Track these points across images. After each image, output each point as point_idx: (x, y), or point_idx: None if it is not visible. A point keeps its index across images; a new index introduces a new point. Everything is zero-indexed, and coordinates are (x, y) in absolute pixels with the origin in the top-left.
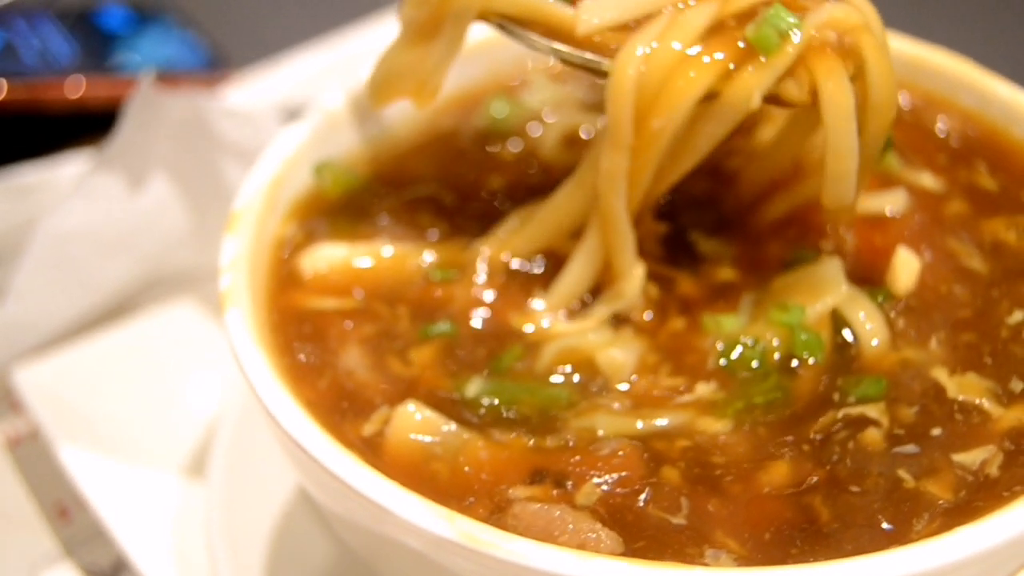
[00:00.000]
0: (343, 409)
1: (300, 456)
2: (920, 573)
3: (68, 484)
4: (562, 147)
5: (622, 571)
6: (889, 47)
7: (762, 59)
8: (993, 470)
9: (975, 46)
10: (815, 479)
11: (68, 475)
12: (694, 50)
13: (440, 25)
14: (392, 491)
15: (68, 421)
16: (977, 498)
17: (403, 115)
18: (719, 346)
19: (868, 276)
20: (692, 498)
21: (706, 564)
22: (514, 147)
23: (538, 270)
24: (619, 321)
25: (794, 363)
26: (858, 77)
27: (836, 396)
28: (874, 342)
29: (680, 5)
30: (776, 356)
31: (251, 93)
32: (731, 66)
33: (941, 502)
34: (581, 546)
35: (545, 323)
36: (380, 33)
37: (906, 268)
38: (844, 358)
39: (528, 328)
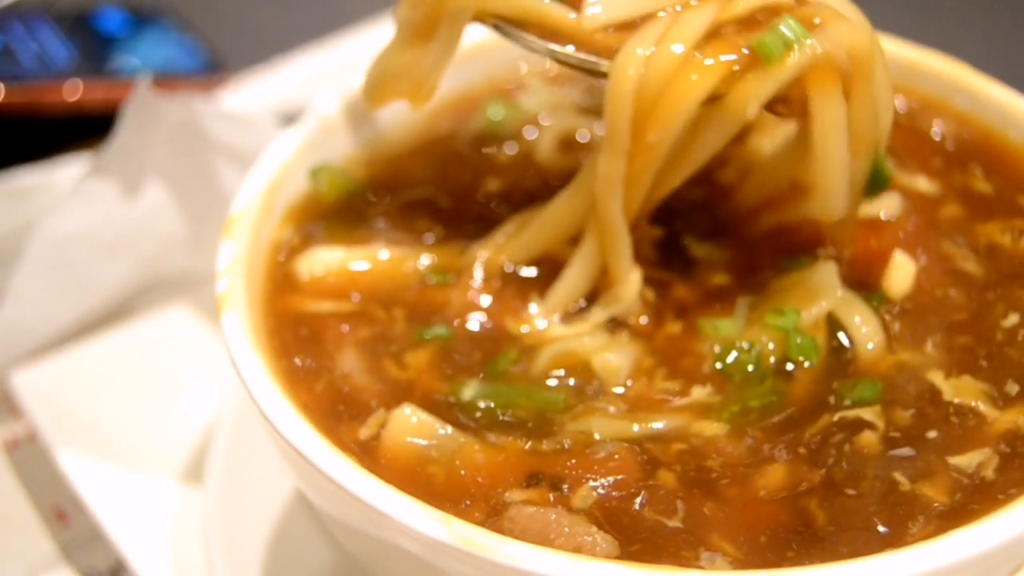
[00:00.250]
0: (339, 412)
1: (296, 460)
2: None
3: (66, 487)
4: (558, 150)
5: (618, 574)
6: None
7: (764, 68)
8: (989, 473)
9: (970, 49)
10: (811, 482)
11: (66, 478)
12: (696, 53)
13: (436, 26)
14: (388, 494)
15: (66, 424)
16: (973, 501)
17: (399, 119)
18: (715, 350)
19: (863, 280)
20: (688, 501)
21: (702, 567)
22: (510, 150)
23: (534, 274)
24: (615, 325)
25: (790, 367)
26: (853, 95)
27: (832, 399)
28: (870, 345)
29: (678, 7)
30: (772, 360)
31: (248, 97)
32: (735, 69)
33: (937, 505)
34: (577, 549)
35: (541, 327)
36: (376, 37)
37: (901, 271)
38: (840, 361)
39: (524, 331)
